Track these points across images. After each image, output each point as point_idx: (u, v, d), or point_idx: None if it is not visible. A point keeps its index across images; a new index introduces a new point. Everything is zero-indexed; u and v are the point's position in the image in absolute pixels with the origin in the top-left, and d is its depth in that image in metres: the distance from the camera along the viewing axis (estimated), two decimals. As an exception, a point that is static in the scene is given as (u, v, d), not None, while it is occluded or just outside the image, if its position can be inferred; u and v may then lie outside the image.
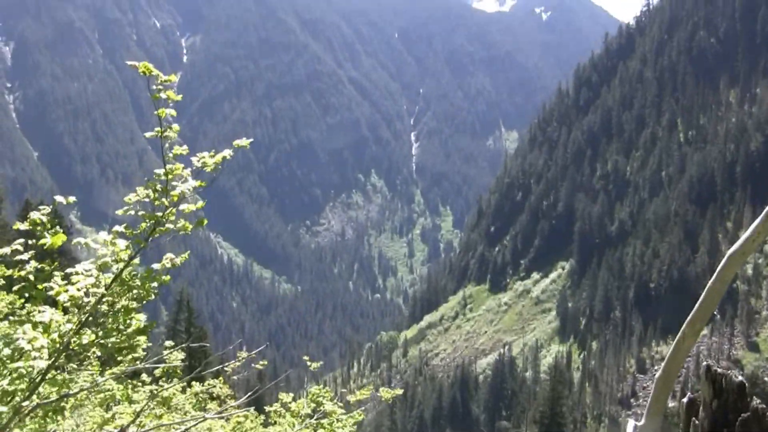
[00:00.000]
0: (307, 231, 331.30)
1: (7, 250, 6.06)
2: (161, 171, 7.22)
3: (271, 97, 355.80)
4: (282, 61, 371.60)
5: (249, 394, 9.34)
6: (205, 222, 7.75)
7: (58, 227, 6.06)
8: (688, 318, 4.82)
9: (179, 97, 7.91)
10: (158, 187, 7.21)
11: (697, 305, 4.72)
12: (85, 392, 9.07)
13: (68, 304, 6.01)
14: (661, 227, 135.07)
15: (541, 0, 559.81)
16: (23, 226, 6.00)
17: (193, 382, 12.53)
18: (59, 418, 7.01)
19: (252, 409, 12.02)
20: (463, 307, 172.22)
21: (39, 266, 6.09)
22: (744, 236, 4.72)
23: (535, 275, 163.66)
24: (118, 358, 7.54)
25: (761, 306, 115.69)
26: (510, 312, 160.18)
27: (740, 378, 4.53)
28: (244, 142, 8.16)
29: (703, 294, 4.77)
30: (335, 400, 10.97)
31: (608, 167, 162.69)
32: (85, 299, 6.03)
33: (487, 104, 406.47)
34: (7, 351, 5.54)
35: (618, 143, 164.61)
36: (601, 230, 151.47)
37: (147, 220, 6.61)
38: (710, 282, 4.77)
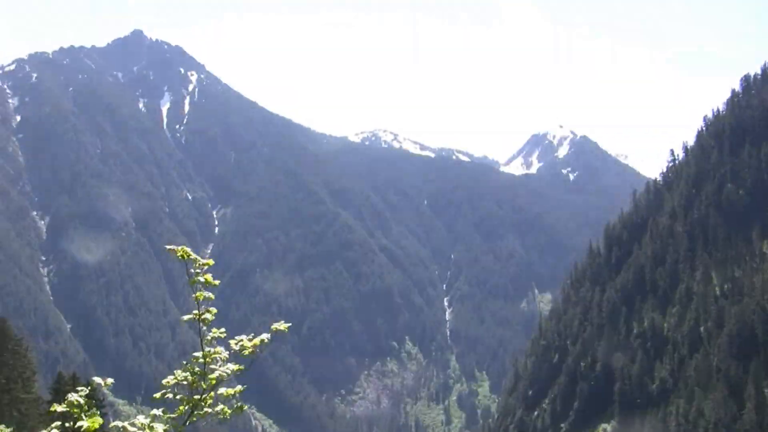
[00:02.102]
0: (342, 400, 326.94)
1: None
2: (199, 354, 7.28)
3: (302, 267, 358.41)
4: (313, 231, 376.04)
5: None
6: (245, 408, 7.74)
7: (95, 409, 6.06)
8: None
9: (217, 282, 8.05)
10: (196, 369, 7.25)
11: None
12: None
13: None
14: (704, 384, 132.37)
15: (567, 161, 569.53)
16: (60, 408, 5.98)
17: None
18: None
19: None
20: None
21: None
22: None
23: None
24: None
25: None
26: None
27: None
28: (282, 326, 8.26)
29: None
30: None
31: (645, 325, 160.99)
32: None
33: (519, 267, 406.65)
34: None
35: (653, 300, 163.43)
36: (642, 390, 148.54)
37: (185, 404, 6.62)
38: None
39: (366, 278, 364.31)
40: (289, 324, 9.07)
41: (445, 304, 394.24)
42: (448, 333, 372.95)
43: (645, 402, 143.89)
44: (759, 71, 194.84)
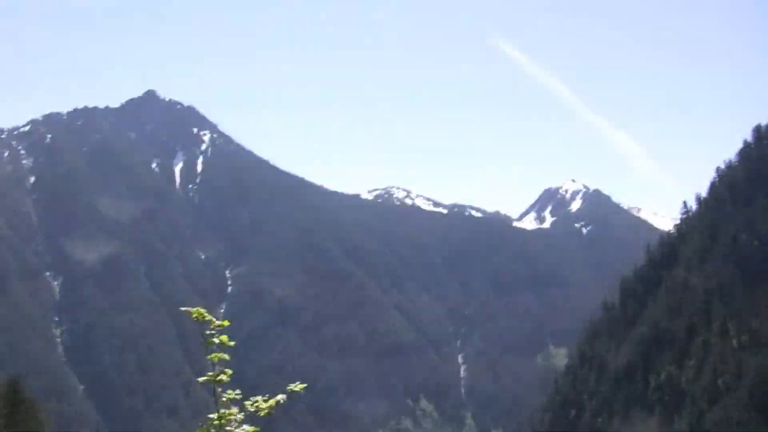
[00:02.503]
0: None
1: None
2: (214, 416, 7.16)
3: (316, 325, 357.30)
4: (326, 289, 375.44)
5: None
6: None
7: None
8: None
9: (233, 343, 7.95)
10: (212, 431, 7.13)
11: None
12: None
13: None
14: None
15: (581, 215, 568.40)
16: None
17: None
18: None
19: None
20: None
21: None
22: None
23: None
24: None
25: None
26: None
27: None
28: (298, 386, 8.12)
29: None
30: None
31: (662, 378, 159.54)
32: None
33: (533, 322, 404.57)
34: None
35: (670, 353, 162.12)
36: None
37: None
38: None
39: (380, 336, 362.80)
40: (305, 384, 9.14)
41: (460, 360, 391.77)
42: (463, 390, 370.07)
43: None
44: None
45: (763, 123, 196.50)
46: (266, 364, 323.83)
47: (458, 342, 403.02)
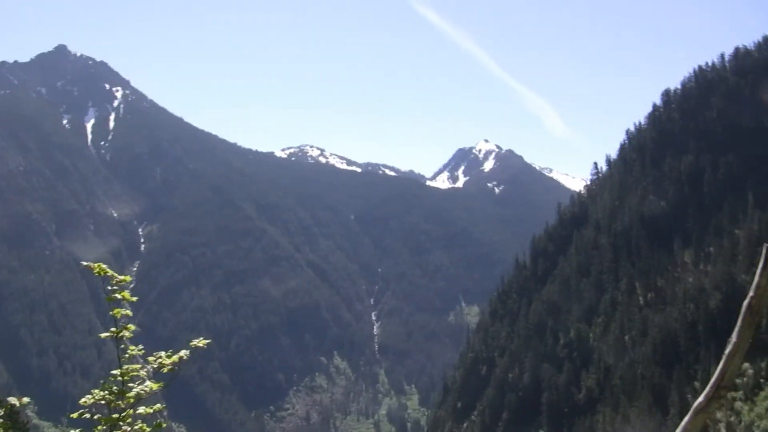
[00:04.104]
0: (271, 417, 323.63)
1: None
2: (116, 372, 7.27)
3: (230, 283, 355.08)
4: (240, 247, 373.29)
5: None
6: (164, 425, 7.77)
7: (12, 430, 6.05)
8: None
9: (135, 299, 8.08)
10: (114, 388, 7.24)
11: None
12: None
13: None
14: (629, 392, 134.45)
15: (494, 175, 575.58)
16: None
17: None
18: None
19: None
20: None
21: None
22: (704, 392, 4.99)
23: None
24: None
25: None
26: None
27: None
28: (201, 342, 8.29)
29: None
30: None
31: (571, 335, 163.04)
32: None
33: (446, 280, 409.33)
34: None
35: (579, 311, 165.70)
36: (568, 399, 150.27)
37: (103, 423, 6.62)
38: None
39: (293, 293, 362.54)
40: (209, 340, 9.31)
41: (373, 318, 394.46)
42: (377, 347, 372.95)
43: (572, 411, 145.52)
44: (679, 85, 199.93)
45: (672, 87, 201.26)
46: (180, 322, 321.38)
47: (371, 300, 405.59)
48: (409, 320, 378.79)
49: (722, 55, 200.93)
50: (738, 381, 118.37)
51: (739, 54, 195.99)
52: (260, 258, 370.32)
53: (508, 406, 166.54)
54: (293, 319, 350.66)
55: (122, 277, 7.82)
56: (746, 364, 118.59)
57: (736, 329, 7.01)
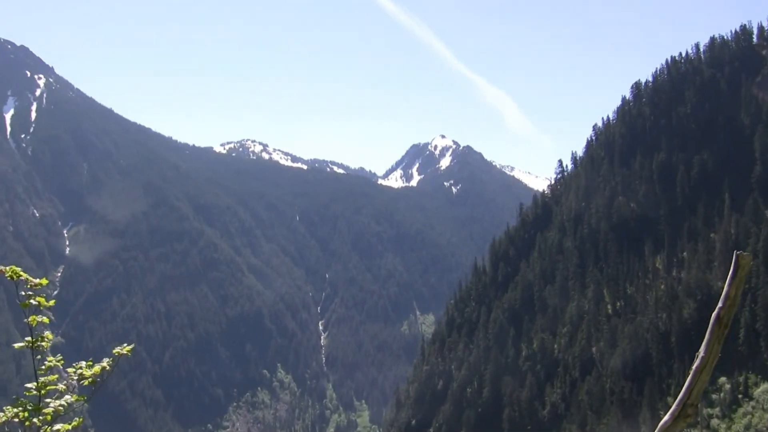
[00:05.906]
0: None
1: None
2: (32, 385, 6.45)
3: (164, 290, 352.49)
4: (175, 250, 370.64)
5: None
6: None
7: None
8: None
9: (51, 302, 7.08)
10: (29, 405, 6.48)
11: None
12: None
13: None
14: (597, 408, 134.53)
15: (450, 173, 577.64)
16: None
17: None
18: None
19: None
20: None
21: None
22: (671, 410, 5.28)
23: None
24: None
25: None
26: None
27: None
28: (125, 349, 7.23)
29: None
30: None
31: (534, 346, 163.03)
32: None
33: (399, 286, 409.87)
34: None
35: (542, 320, 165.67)
36: (532, 415, 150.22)
37: None
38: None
39: (234, 301, 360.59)
40: (132, 345, 8.93)
41: (320, 328, 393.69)
42: (324, 359, 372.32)
43: (536, 428, 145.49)
44: (650, 78, 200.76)
45: (643, 80, 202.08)
46: (109, 332, 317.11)
47: (318, 308, 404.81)
48: (359, 330, 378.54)
49: (696, 45, 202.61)
50: (714, 397, 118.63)
51: (715, 44, 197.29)
52: (197, 262, 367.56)
53: (466, 423, 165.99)
54: (233, 329, 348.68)
55: (38, 281, 6.95)
56: (723, 379, 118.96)
57: (704, 343, 7.24)
